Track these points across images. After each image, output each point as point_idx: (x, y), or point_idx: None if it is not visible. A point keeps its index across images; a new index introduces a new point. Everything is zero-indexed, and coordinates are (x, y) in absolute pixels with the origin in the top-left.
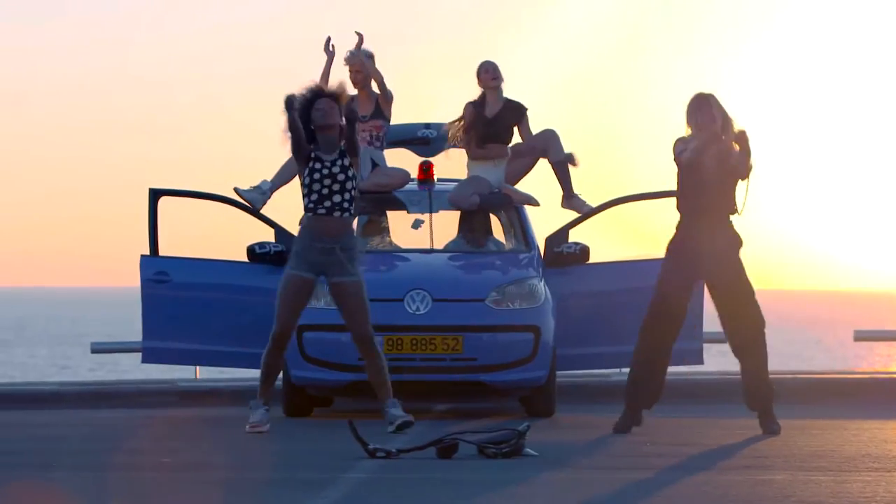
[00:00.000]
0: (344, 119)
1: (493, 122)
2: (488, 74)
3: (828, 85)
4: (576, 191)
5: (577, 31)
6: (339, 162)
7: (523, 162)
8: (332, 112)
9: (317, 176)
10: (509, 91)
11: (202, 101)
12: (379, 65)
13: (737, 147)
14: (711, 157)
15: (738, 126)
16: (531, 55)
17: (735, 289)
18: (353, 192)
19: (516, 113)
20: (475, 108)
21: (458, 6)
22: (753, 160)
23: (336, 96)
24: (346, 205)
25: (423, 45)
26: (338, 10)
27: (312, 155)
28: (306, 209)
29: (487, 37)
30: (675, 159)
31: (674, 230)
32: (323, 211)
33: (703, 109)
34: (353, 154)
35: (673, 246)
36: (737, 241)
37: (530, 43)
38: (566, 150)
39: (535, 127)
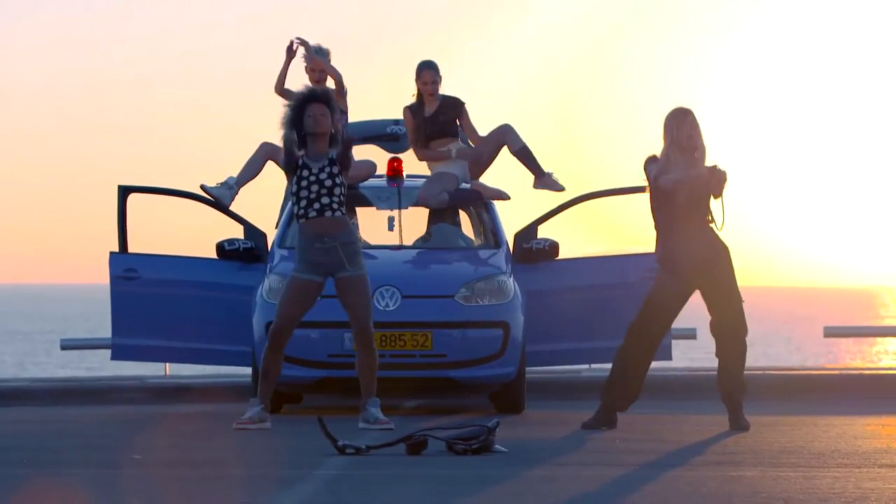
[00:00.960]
0: (340, 145)
1: (432, 119)
2: (426, 85)
3: (801, 81)
4: (546, 169)
5: (554, 28)
6: (327, 169)
7: (484, 157)
8: (323, 119)
9: (304, 183)
10: (479, 87)
11: (172, 100)
12: (351, 60)
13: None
14: (696, 177)
15: (715, 163)
16: (501, 50)
17: (727, 295)
18: (341, 196)
19: (454, 106)
20: (412, 110)
21: (427, 3)
22: (727, 183)
23: (328, 100)
24: (335, 205)
25: (393, 41)
26: (314, 9)
27: (300, 162)
28: (298, 217)
29: (459, 33)
30: (647, 179)
31: (653, 241)
32: (314, 213)
33: (682, 128)
34: (344, 169)
35: (663, 258)
36: (724, 249)
37: (506, 39)
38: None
39: (490, 124)
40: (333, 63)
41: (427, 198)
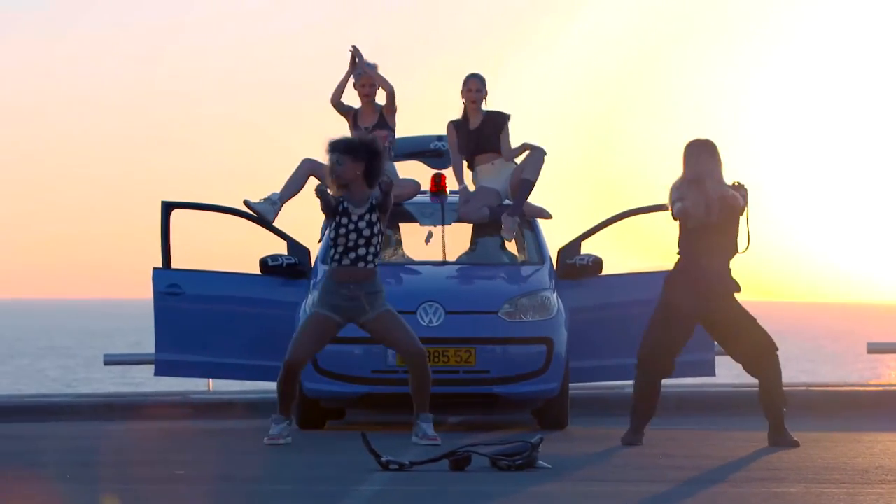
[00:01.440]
0: (380, 191)
1: (477, 133)
2: (470, 92)
3: (844, 97)
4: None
5: (589, 43)
6: (366, 217)
7: (514, 178)
8: (337, 170)
9: (342, 231)
10: (521, 102)
11: (215, 114)
12: (394, 74)
13: (734, 191)
14: (697, 207)
15: (736, 181)
16: (543, 66)
17: (734, 324)
18: (377, 247)
19: (498, 121)
20: (456, 126)
21: (471, 19)
22: (748, 201)
23: (337, 146)
24: (370, 258)
25: (436, 56)
26: (355, 24)
27: (340, 208)
28: (331, 260)
29: (500, 48)
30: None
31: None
32: (348, 262)
33: (689, 160)
34: (383, 212)
35: (667, 280)
36: (733, 288)
37: (542, 54)
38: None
39: (534, 137)
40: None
41: (468, 213)
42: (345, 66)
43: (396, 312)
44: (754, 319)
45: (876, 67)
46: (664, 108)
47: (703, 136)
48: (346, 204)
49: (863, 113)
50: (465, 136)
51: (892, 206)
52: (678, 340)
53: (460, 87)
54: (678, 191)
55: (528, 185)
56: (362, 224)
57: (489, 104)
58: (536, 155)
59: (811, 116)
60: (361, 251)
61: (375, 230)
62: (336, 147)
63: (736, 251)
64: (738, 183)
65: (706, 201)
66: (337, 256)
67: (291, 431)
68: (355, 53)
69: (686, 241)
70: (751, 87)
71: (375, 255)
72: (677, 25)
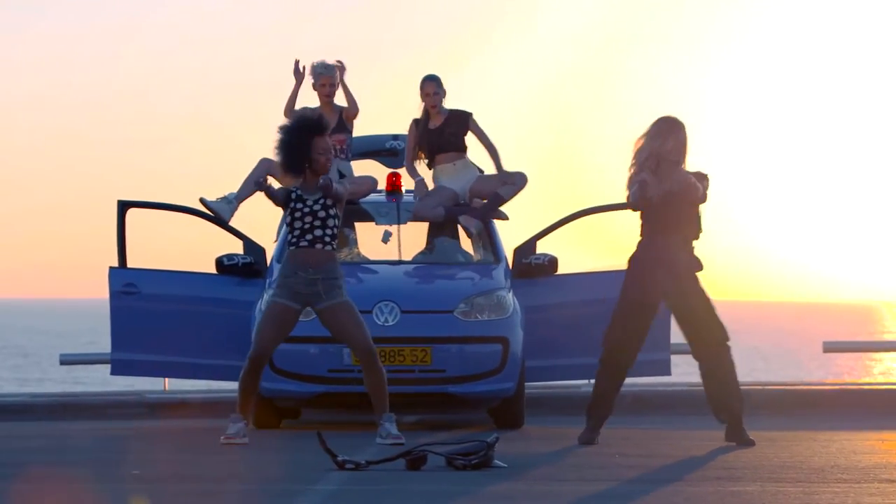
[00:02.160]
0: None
1: (438, 132)
2: (428, 97)
3: (806, 94)
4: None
5: (557, 41)
6: (321, 201)
7: (490, 185)
8: (330, 156)
9: (297, 214)
10: (476, 101)
11: (172, 114)
12: (351, 74)
13: (695, 180)
14: (654, 190)
15: (699, 170)
16: (499, 65)
17: (693, 306)
18: (334, 230)
19: (461, 119)
20: (417, 124)
21: (431, 18)
22: (708, 192)
23: (327, 129)
24: (327, 238)
25: (394, 55)
26: (315, 21)
27: (294, 195)
28: (289, 244)
29: (459, 46)
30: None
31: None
32: (305, 244)
33: (668, 142)
34: (337, 202)
35: (632, 262)
36: (695, 265)
37: (503, 52)
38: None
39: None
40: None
41: (423, 211)
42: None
43: (354, 307)
44: (712, 308)
45: (839, 64)
46: (621, 106)
47: (673, 116)
48: (298, 192)
49: (822, 112)
50: (426, 134)
51: (848, 206)
52: (641, 330)
53: (418, 90)
54: (632, 180)
55: (500, 201)
56: (317, 207)
57: (449, 101)
58: (519, 180)
59: (770, 114)
60: (318, 232)
61: (331, 213)
62: (318, 129)
63: (694, 235)
64: (701, 173)
65: (669, 185)
66: (294, 240)
67: (248, 432)
68: (296, 68)
69: (646, 223)
70: (710, 84)
71: (333, 237)
72: (636, 23)
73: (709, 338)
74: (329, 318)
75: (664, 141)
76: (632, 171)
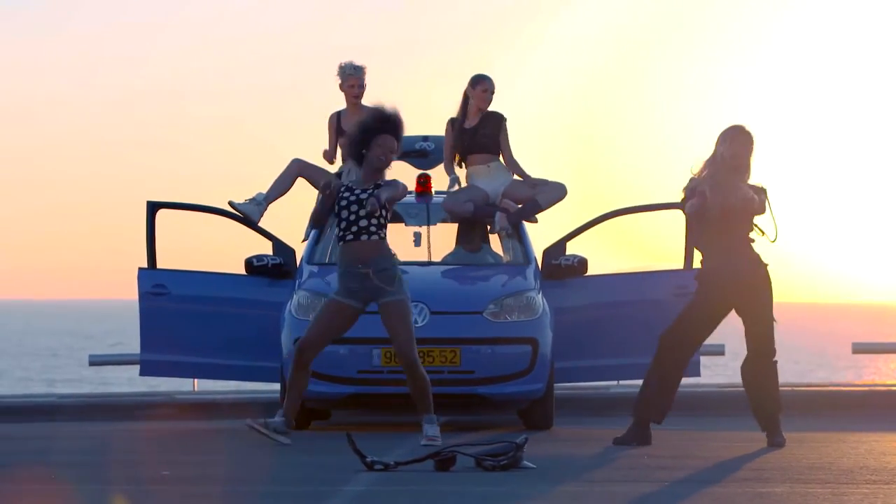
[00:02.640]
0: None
1: (472, 132)
2: (486, 94)
3: (832, 96)
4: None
5: (576, 43)
6: (368, 191)
7: (524, 191)
8: (390, 157)
9: (343, 203)
10: (508, 103)
11: (202, 115)
12: (380, 75)
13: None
14: (716, 198)
15: (758, 182)
16: (530, 67)
17: (760, 315)
18: (381, 220)
19: (496, 121)
20: (454, 124)
21: (458, 19)
22: (767, 204)
23: (397, 131)
24: (373, 228)
25: (422, 57)
26: (342, 25)
27: (342, 188)
28: (337, 239)
29: (486, 49)
30: (683, 199)
31: (681, 258)
32: (350, 237)
33: (732, 146)
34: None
35: (702, 274)
36: (764, 269)
37: (530, 54)
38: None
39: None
40: (367, 78)
41: (451, 205)
42: (332, 68)
43: (406, 307)
44: (771, 321)
45: (860, 68)
46: (650, 108)
47: (740, 124)
48: (348, 183)
49: (849, 114)
50: (461, 134)
51: (876, 208)
52: (700, 340)
53: (467, 86)
54: (693, 186)
55: (536, 208)
56: (364, 196)
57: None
58: (559, 188)
59: (799, 116)
60: (363, 223)
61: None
62: (390, 127)
63: (752, 240)
64: (760, 186)
65: (730, 198)
66: (340, 233)
67: (288, 431)
68: (325, 185)
69: (706, 235)
70: (737, 87)
71: (380, 226)
72: (664, 24)
73: (762, 352)
74: (383, 313)
75: (728, 147)
76: (697, 176)
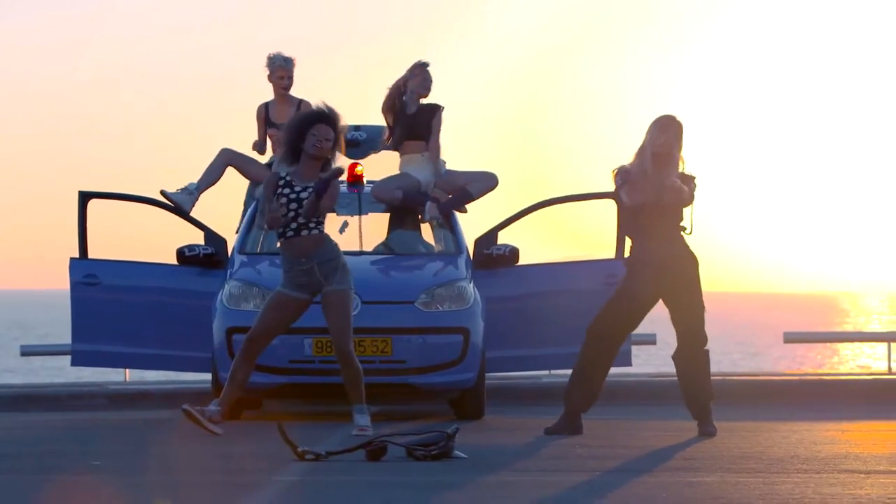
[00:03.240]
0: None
1: (412, 118)
2: (425, 82)
3: (765, 84)
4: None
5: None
6: (309, 189)
7: (457, 181)
8: (326, 144)
9: (283, 200)
10: (441, 93)
11: (133, 104)
12: (313, 64)
13: (682, 183)
14: (648, 186)
15: (688, 171)
16: (464, 58)
17: (689, 303)
18: (320, 217)
19: (431, 110)
20: (393, 105)
21: (391, 9)
22: (694, 193)
23: (335, 123)
24: (312, 225)
25: (353, 46)
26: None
27: (282, 182)
28: (278, 235)
29: (421, 39)
30: (616, 190)
31: (613, 248)
32: (291, 233)
33: (660, 137)
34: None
35: (631, 262)
36: (692, 258)
37: (465, 44)
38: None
39: (456, 131)
40: (297, 69)
41: (380, 192)
42: (264, 59)
43: (347, 299)
44: (702, 310)
45: (799, 56)
46: (582, 99)
47: (670, 114)
48: (290, 177)
49: (784, 103)
50: (402, 117)
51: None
52: (628, 329)
53: (406, 72)
54: (623, 173)
55: (467, 197)
56: (305, 195)
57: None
58: (489, 178)
59: (731, 106)
60: (302, 220)
61: None
62: (325, 118)
63: (683, 229)
64: (690, 175)
65: (657, 186)
66: (280, 229)
67: (219, 420)
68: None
69: (635, 225)
70: (673, 74)
71: (318, 222)
72: (598, 15)
73: (693, 340)
74: (324, 303)
75: (657, 136)
76: (627, 165)
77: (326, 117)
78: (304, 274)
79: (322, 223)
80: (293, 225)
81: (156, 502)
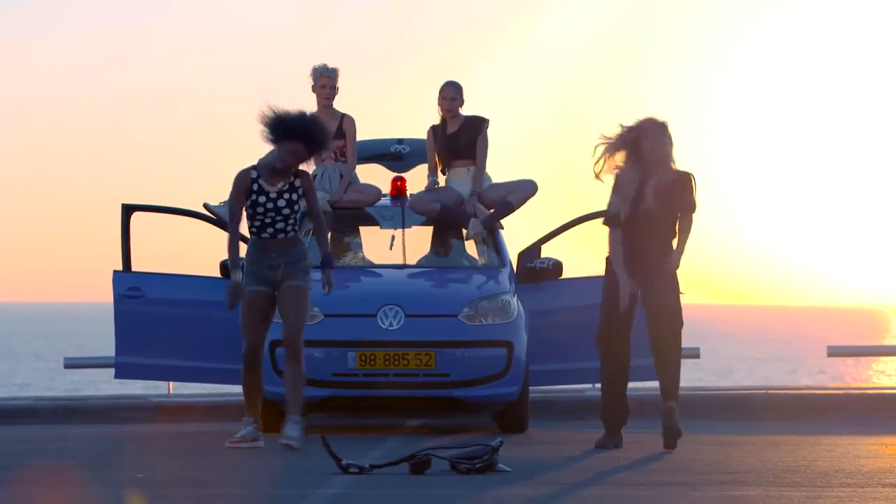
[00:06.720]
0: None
1: (453, 138)
2: (445, 101)
3: (812, 98)
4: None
5: (556, 46)
6: (285, 195)
7: (498, 193)
8: (292, 161)
9: (260, 209)
10: (486, 106)
11: (178, 117)
12: (357, 80)
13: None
14: (650, 192)
15: (680, 168)
16: (509, 71)
17: (666, 286)
18: (297, 220)
19: (476, 125)
20: (434, 130)
21: (436, 23)
22: (697, 197)
23: (312, 144)
24: (289, 229)
25: (399, 60)
26: (324, 26)
27: (255, 187)
28: (250, 232)
29: (466, 52)
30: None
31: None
32: (266, 236)
33: (646, 140)
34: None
35: (607, 263)
36: (672, 262)
37: (509, 58)
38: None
39: (501, 143)
40: (341, 80)
41: (417, 203)
42: (306, 71)
43: (304, 296)
44: (678, 293)
45: (841, 69)
46: (626, 111)
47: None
48: (259, 181)
49: (827, 117)
50: (442, 140)
51: (853, 211)
52: (628, 322)
53: (437, 95)
54: (621, 189)
55: (509, 208)
56: (281, 203)
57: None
58: (528, 186)
59: (777, 119)
60: (280, 226)
61: (295, 208)
62: (280, 131)
63: (673, 234)
64: (687, 173)
65: (662, 184)
66: (255, 230)
67: (259, 435)
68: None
69: (624, 233)
70: (716, 90)
71: (296, 225)
72: (643, 28)
73: (671, 319)
74: (281, 296)
75: (645, 141)
76: (622, 170)
77: (306, 137)
78: (270, 269)
79: (297, 227)
80: (270, 230)
81: None
